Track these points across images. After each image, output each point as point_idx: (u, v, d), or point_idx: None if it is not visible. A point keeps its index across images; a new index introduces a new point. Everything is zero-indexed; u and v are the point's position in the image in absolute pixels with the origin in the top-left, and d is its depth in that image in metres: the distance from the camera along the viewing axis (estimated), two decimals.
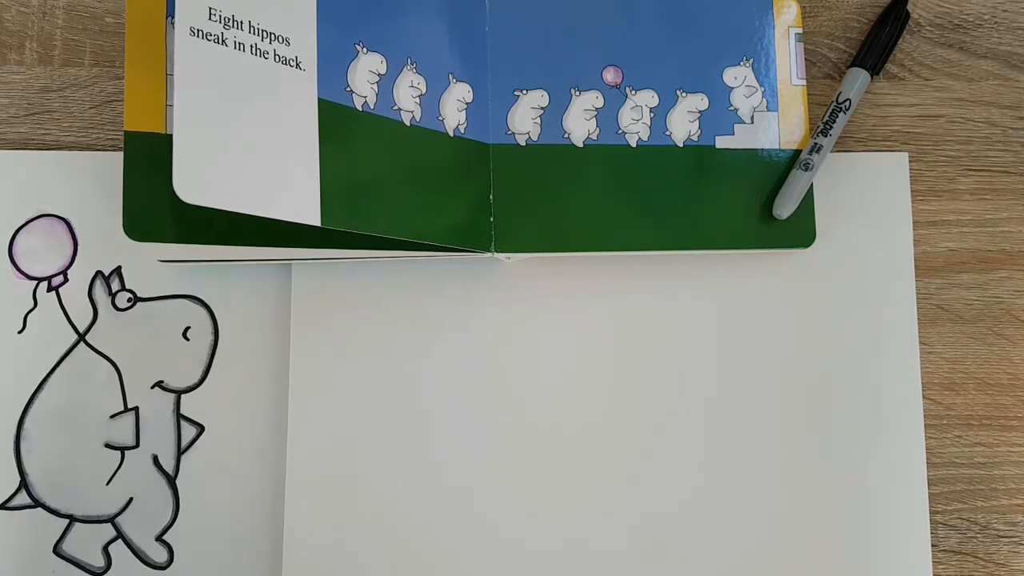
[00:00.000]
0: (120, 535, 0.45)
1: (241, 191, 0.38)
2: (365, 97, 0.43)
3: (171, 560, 0.45)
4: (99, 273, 0.47)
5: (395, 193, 0.43)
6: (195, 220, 0.43)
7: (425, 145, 0.44)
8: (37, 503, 0.45)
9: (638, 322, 0.47)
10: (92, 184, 0.47)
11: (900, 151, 0.49)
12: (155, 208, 0.43)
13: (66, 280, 0.47)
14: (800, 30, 0.48)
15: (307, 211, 0.40)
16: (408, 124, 0.44)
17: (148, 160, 0.43)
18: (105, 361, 0.46)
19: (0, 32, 0.49)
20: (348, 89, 0.43)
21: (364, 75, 0.43)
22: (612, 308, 0.47)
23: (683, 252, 0.47)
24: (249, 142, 0.39)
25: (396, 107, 0.44)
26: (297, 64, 0.41)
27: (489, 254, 0.46)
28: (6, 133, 0.48)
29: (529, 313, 0.47)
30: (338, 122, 0.42)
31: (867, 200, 0.48)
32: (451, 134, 0.45)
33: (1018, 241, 0.48)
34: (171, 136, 0.37)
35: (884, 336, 0.47)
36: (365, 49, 0.43)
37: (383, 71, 0.44)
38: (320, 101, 0.41)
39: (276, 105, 0.40)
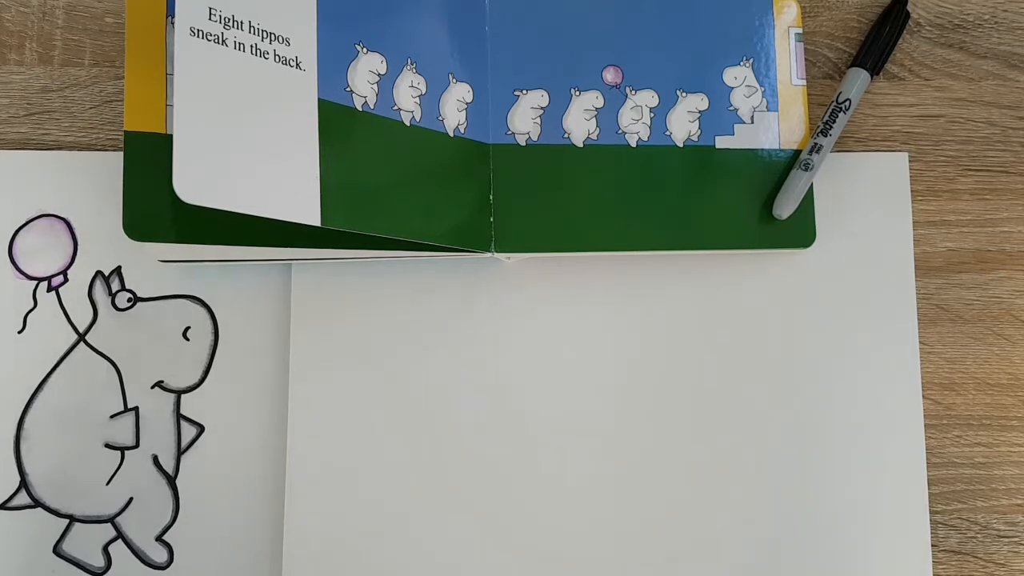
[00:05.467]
0: (120, 535, 0.45)
1: (241, 191, 0.38)
2: (365, 97, 0.43)
3: (171, 560, 0.45)
4: (99, 273, 0.47)
5: (395, 193, 0.43)
6: (195, 220, 0.43)
7: (425, 145, 0.44)
8: (37, 503, 0.45)
9: (638, 322, 0.47)
10: (92, 184, 0.47)
11: (900, 151, 0.49)
12: (155, 208, 0.43)
13: (66, 280, 0.47)
14: (800, 30, 0.48)
15: (307, 211, 0.40)
16: (408, 124, 0.44)
17: (148, 160, 0.43)
18: (105, 361, 0.46)
19: (0, 32, 0.49)
20: (348, 89, 0.43)
21: (364, 75, 0.43)
22: (612, 308, 0.47)
23: (683, 252, 0.47)
24: (249, 142, 0.39)
25: (396, 107, 0.44)
26: (297, 64, 0.41)
27: (489, 254, 0.46)
28: (6, 133, 0.48)
29: (529, 313, 0.47)
30: (338, 122, 0.42)
31: (867, 200, 0.48)
32: (451, 134, 0.45)
33: (1018, 241, 0.48)
34: (171, 136, 0.37)
35: (884, 336, 0.47)
36: (365, 49, 0.43)
37: (383, 71, 0.44)
38: (320, 101, 0.41)
39: (276, 105, 0.40)
